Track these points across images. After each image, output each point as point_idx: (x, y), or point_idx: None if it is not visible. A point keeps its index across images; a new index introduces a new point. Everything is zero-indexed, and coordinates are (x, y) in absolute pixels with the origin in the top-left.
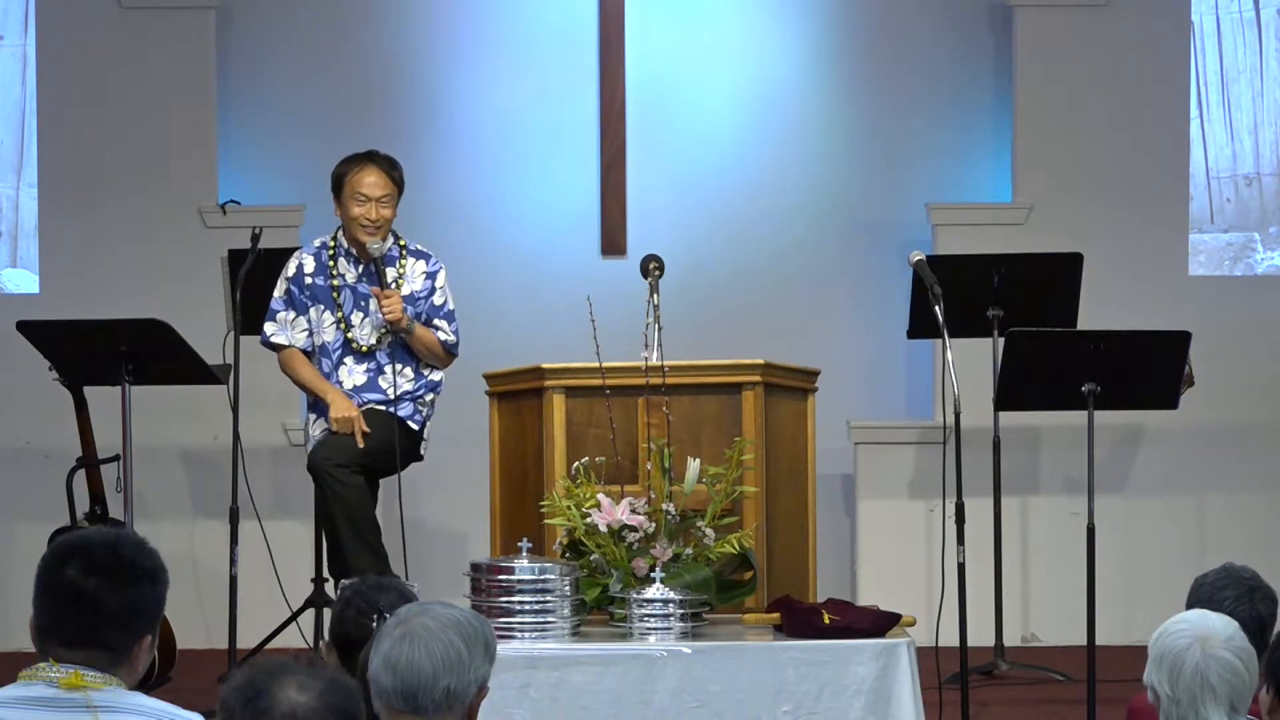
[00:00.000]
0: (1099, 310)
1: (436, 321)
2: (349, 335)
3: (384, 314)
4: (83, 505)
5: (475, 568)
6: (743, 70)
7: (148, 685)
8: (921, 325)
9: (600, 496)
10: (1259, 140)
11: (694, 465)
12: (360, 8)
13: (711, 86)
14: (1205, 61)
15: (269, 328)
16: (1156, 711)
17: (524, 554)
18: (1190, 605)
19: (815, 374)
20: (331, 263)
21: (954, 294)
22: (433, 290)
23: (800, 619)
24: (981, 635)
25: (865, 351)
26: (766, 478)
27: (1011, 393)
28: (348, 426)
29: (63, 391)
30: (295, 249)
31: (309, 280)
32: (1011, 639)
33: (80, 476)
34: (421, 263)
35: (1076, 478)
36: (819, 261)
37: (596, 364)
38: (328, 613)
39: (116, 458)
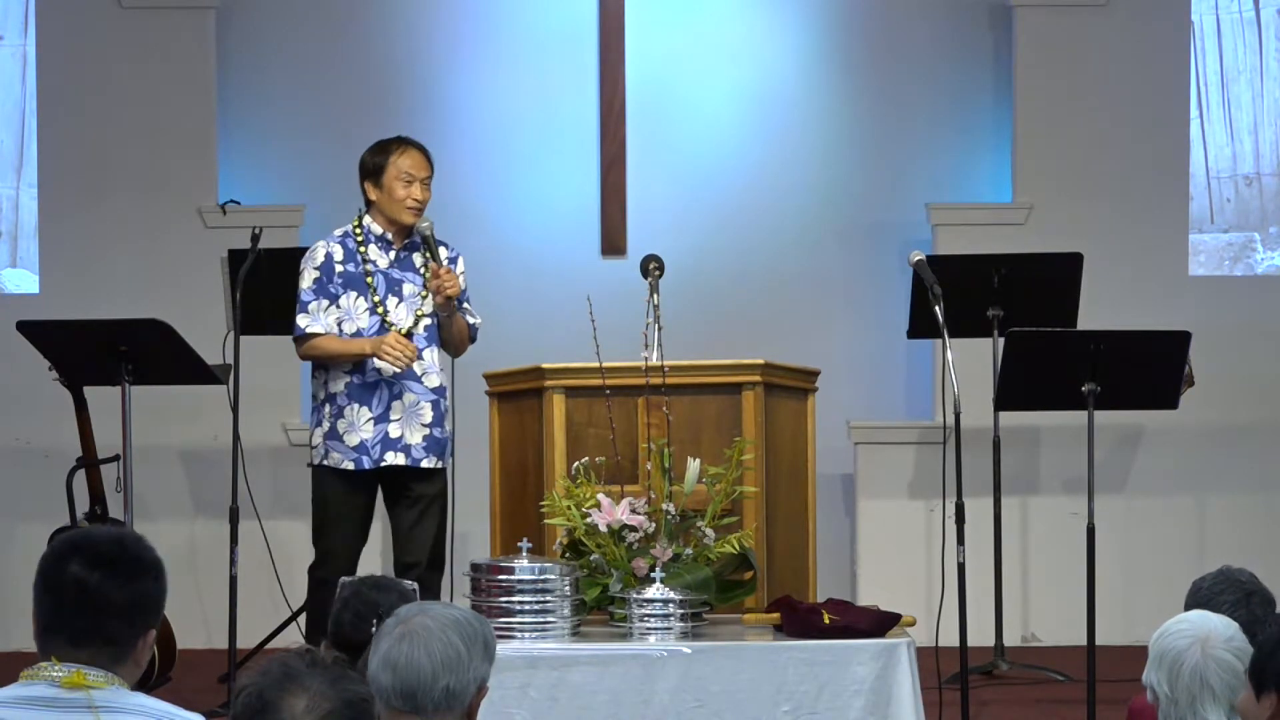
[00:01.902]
0: (1099, 310)
1: (465, 305)
2: (386, 321)
3: (446, 289)
4: (83, 505)
5: (475, 568)
6: (743, 70)
7: (148, 685)
8: (921, 325)
9: (600, 496)
10: (1259, 140)
11: (694, 465)
12: (360, 8)
13: (711, 86)
14: (1205, 61)
15: (302, 320)
16: (1157, 712)
17: (524, 554)
18: (1188, 608)
19: (815, 374)
20: (361, 249)
21: (954, 294)
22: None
23: (800, 619)
24: (981, 635)
25: (865, 351)
26: (766, 478)
27: (1011, 393)
28: (404, 351)
29: (63, 391)
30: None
31: (340, 268)
32: (1011, 639)
33: (80, 476)
34: (443, 249)
35: (1076, 478)
36: (819, 261)
37: (596, 364)
38: None
39: (116, 458)
